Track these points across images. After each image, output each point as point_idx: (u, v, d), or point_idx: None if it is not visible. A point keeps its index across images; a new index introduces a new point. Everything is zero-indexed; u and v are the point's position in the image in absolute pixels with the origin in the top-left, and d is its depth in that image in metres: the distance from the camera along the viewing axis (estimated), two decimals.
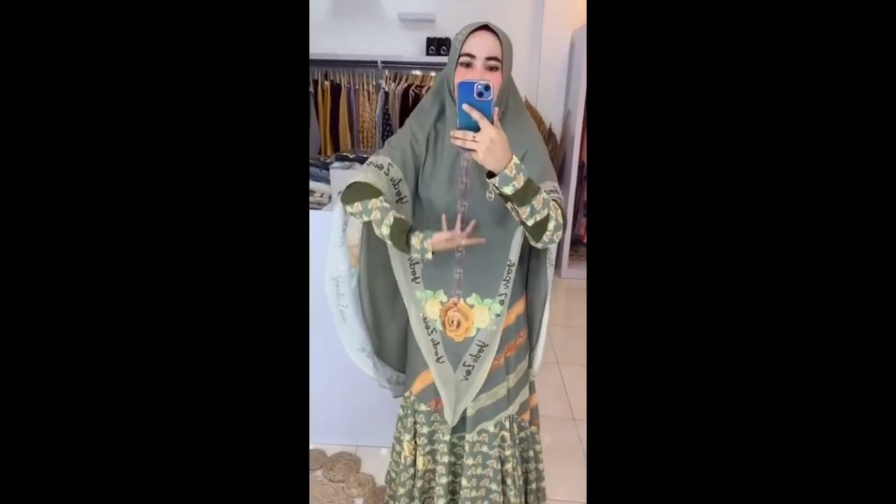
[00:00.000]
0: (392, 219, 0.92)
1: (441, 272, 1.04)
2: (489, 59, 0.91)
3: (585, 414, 1.93)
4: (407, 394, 1.17)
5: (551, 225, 0.89)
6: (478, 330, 1.06)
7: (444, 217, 0.94)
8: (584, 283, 3.40)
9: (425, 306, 1.08)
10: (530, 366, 1.18)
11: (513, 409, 1.13)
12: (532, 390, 1.20)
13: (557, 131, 3.58)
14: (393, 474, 1.26)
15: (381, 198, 0.94)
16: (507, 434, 1.14)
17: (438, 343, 1.08)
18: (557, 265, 3.58)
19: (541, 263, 1.12)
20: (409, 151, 1.00)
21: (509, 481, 1.16)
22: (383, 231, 0.93)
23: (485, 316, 1.04)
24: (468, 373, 1.08)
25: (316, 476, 1.65)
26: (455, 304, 1.05)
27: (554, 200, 0.92)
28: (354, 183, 0.95)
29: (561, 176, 3.61)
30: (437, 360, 1.08)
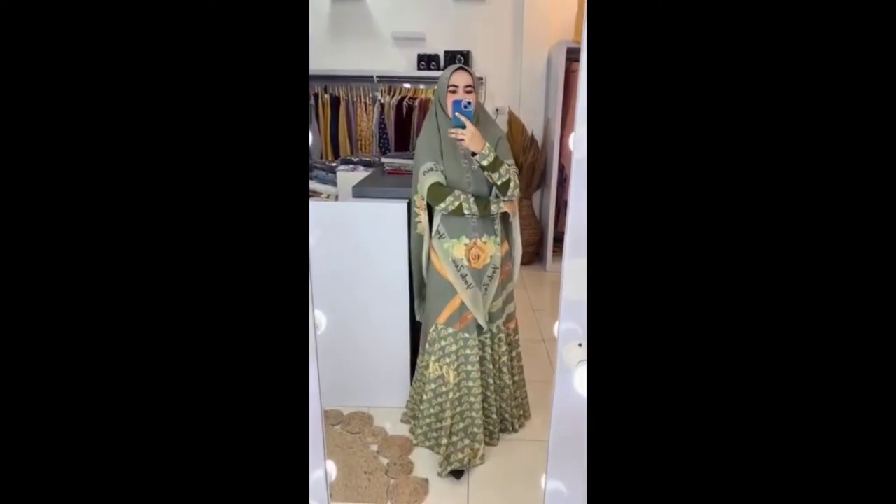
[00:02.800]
0: (471, 197, 1.59)
1: (462, 224, 1.64)
2: (466, 87, 1.55)
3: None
4: (432, 328, 1.70)
5: (512, 184, 1.57)
6: (490, 257, 1.68)
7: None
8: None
9: (453, 251, 1.65)
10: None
11: (504, 318, 1.78)
12: (511, 299, 1.83)
13: (539, 138, 3.91)
14: (417, 396, 1.85)
15: (455, 192, 1.57)
16: (502, 336, 1.79)
17: (466, 275, 1.65)
18: (542, 261, 3.88)
19: (513, 225, 1.76)
20: (438, 153, 1.63)
21: (505, 370, 1.81)
22: (471, 206, 1.56)
23: (492, 247, 1.68)
24: (486, 288, 1.69)
25: (335, 429, 1.92)
26: (475, 243, 1.64)
27: (514, 171, 1.59)
28: (434, 185, 1.59)
29: (543, 178, 3.93)
30: (468, 287, 1.65)
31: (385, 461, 1.77)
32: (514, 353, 1.88)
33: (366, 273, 1.95)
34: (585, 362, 0.75)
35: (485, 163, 1.50)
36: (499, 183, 1.54)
